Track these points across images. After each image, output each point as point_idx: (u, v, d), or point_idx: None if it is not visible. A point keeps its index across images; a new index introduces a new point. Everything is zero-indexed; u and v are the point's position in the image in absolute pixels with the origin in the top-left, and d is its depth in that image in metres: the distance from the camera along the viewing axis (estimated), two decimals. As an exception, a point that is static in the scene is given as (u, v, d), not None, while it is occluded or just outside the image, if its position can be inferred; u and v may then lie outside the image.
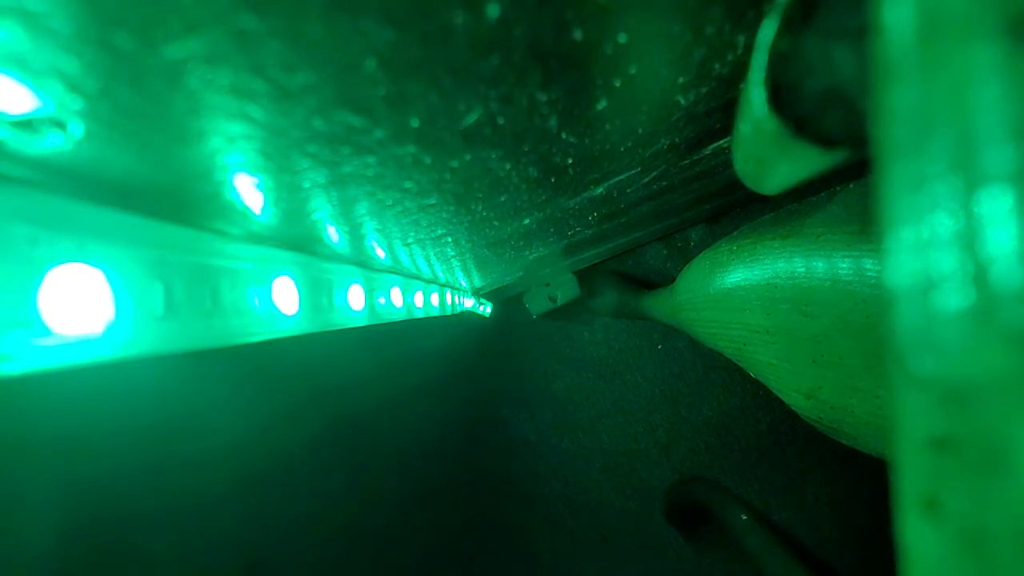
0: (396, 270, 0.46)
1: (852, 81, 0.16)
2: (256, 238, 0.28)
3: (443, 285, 0.61)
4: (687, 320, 0.59)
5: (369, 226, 0.31)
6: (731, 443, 0.85)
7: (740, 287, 0.45)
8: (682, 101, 0.26)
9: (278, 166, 0.20)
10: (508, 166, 0.27)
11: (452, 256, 0.46)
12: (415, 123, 0.20)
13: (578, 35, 0.17)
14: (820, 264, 0.37)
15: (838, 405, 0.39)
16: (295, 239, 0.30)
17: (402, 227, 0.33)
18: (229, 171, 0.20)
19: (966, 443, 0.09)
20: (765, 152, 0.21)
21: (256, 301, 0.27)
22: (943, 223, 0.09)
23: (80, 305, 0.18)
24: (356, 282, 0.38)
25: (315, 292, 0.33)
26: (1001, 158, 0.08)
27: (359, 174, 0.23)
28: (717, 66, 0.23)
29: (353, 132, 0.19)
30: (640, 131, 0.29)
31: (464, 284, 0.66)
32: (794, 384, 0.42)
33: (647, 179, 0.40)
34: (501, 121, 0.22)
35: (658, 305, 0.71)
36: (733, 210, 0.77)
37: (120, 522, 0.31)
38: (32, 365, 0.16)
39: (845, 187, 0.40)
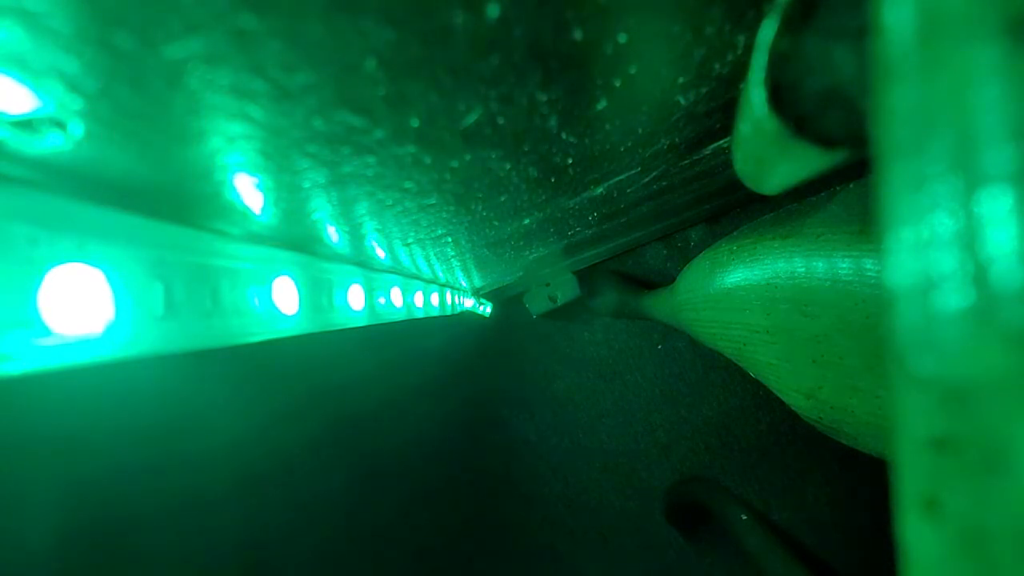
0: (396, 270, 0.46)
1: (852, 81, 0.16)
2: (256, 238, 0.28)
3: (443, 285, 0.61)
4: (687, 320, 0.59)
5: (369, 226, 0.31)
6: (731, 443, 0.85)
7: (740, 287, 0.45)
8: (682, 101, 0.26)
9: (278, 166, 0.20)
10: (508, 166, 0.27)
11: (452, 256, 0.46)
12: (415, 123, 0.20)
13: (578, 35, 0.17)
14: (820, 264, 0.37)
15: (838, 405, 0.39)
16: (295, 239, 0.30)
17: (402, 227, 0.33)
18: (229, 171, 0.20)
19: (966, 443, 0.09)
20: (765, 152, 0.21)
21: (256, 301, 0.27)
22: (943, 223, 0.09)
23: (80, 305, 0.18)
24: (356, 282, 0.38)
25: (315, 292, 0.33)
26: (1001, 158, 0.08)
27: (359, 174, 0.23)
28: (717, 66, 0.23)
29: (353, 132, 0.19)
30: (640, 131, 0.29)
31: (464, 284, 0.66)
32: (794, 384, 0.42)
33: (647, 179, 0.40)
34: (501, 121, 0.22)
35: (658, 305, 0.71)
36: (733, 210, 0.77)
37: (120, 522, 0.31)
38: (32, 365, 0.16)
39: (845, 187, 0.40)
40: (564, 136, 0.26)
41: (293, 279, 0.30)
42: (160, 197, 0.21)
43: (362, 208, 0.27)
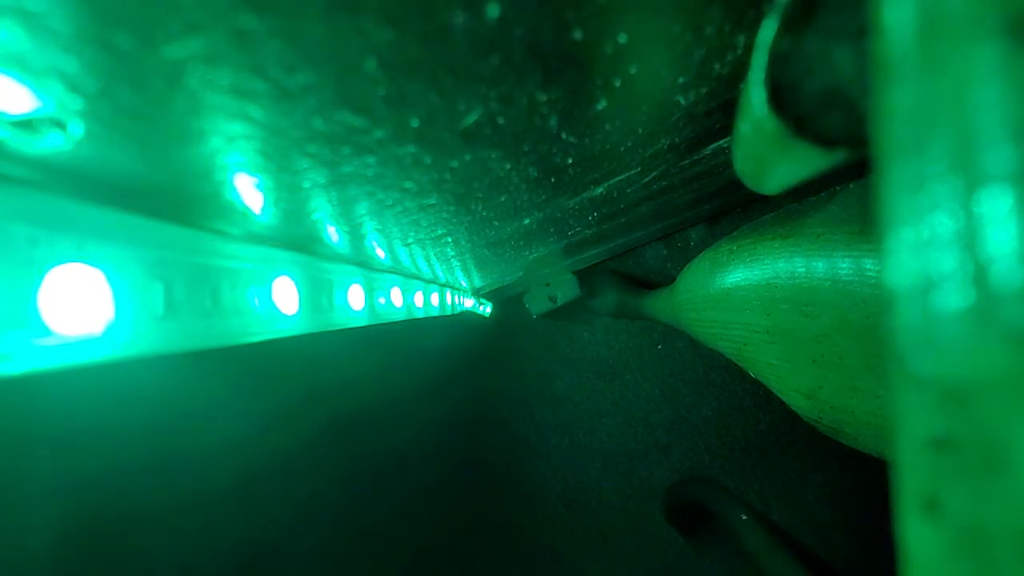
0: (396, 270, 0.46)
1: (852, 81, 0.16)
2: (256, 238, 0.28)
3: (443, 285, 0.61)
4: (687, 320, 0.59)
5: (369, 226, 0.31)
6: (731, 443, 0.85)
7: (740, 287, 0.45)
8: (682, 101, 0.26)
9: (278, 166, 0.20)
10: (508, 166, 0.27)
11: (452, 256, 0.46)
12: (415, 123, 0.20)
13: (578, 35, 0.17)
14: (820, 264, 0.37)
15: (838, 405, 0.39)
16: (295, 239, 0.30)
17: (402, 227, 0.33)
18: (229, 171, 0.20)
19: (966, 443, 0.09)
20: (765, 152, 0.21)
21: (256, 301, 0.27)
22: (943, 223, 0.09)
23: (80, 305, 0.18)
24: (356, 282, 0.38)
25: (315, 292, 0.33)
26: (1001, 158, 0.08)
27: (359, 174, 0.23)
28: (717, 66, 0.23)
29: (353, 132, 0.19)
30: (640, 131, 0.29)
31: (464, 284, 0.66)
32: (794, 384, 0.42)
33: (647, 179, 0.40)
34: (501, 121, 0.22)
35: (658, 305, 0.71)
36: (733, 210, 0.78)
37: (120, 521, 0.31)
38: (32, 365, 0.16)
39: (845, 187, 0.40)
40: (564, 136, 0.26)
41: (293, 279, 0.30)
42: (160, 197, 0.21)
43: (362, 208, 0.27)
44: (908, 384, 0.09)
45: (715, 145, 0.36)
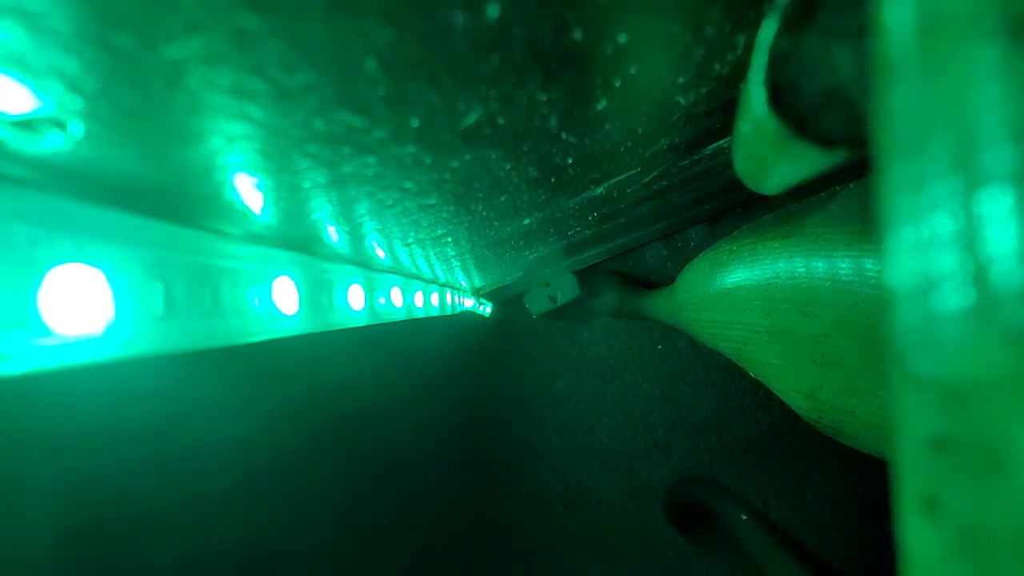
0: (396, 270, 0.46)
1: (852, 81, 0.16)
2: (256, 238, 0.28)
3: (443, 285, 0.61)
4: (687, 320, 0.59)
5: (369, 226, 0.31)
6: (731, 443, 0.85)
7: (740, 287, 0.45)
8: (682, 101, 0.26)
9: (278, 166, 0.20)
10: (508, 166, 0.27)
11: (452, 256, 0.46)
12: (415, 123, 0.20)
13: (578, 35, 0.17)
14: (820, 264, 0.37)
15: (838, 405, 0.39)
16: (295, 239, 0.30)
17: (402, 227, 0.33)
18: (229, 171, 0.20)
19: (966, 443, 0.09)
20: (765, 152, 0.21)
21: (256, 301, 0.27)
22: (943, 223, 0.09)
23: (80, 305, 0.18)
24: (356, 282, 0.38)
25: (315, 292, 0.33)
26: (1001, 158, 0.08)
27: (359, 174, 0.23)
28: (717, 66, 0.23)
29: (353, 132, 0.19)
30: (640, 131, 0.29)
31: (464, 284, 0.66)
32: (794, 384, 0.42)
33: (647, 179, 0.40)
34: (501, 121, 0.22)
35: (658, 305, 0.71)
36: (733, 210, 0.78)
37: (120, 521, 0.31)
38: (32, 365, 0.16)
39: (845, 187, 0.40)
40: (564, 136, 0.26)
41: (293, 279, 0.30)
42: (160, 197, 0.21)
43: (362, 208, 0.27)
44: (908, 384, 0.09)
45: (715, 145, 0.36)
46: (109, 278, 0.19)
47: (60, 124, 0.15)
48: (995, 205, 0.08)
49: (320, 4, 0.13)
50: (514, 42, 0.17)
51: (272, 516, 0.44)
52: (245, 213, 0.24)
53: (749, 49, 0.21)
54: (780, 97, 0.17)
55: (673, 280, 0.65)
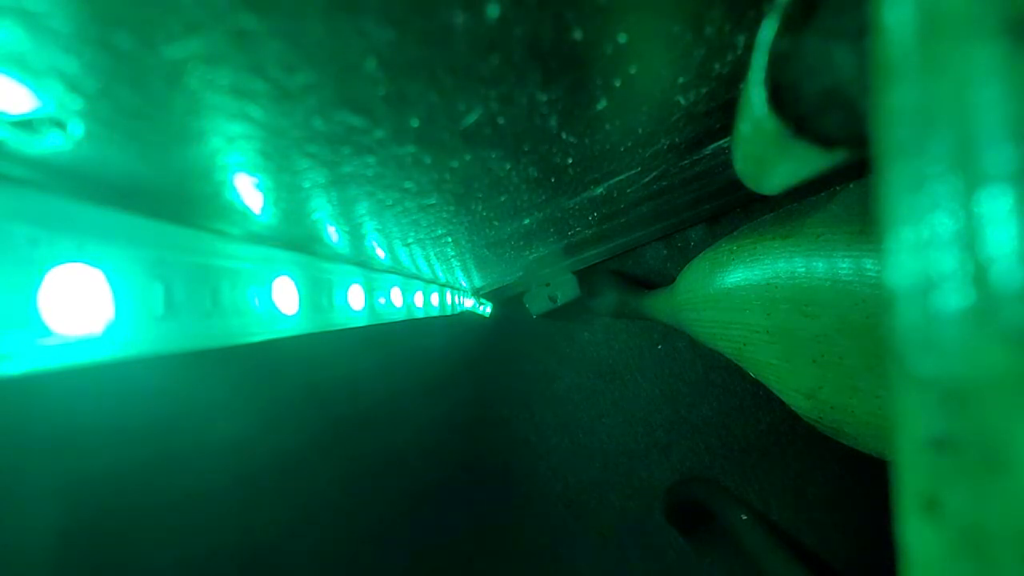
0: (396, 270, 0.46)
1: (852, 81, 0.16)
2: (256, 238, 0.28)
3: (443, 285, 0.61)
4: (687, 320, 0.59)
5: (369, 226, 0.31)
6: (731, 443, 0.85)
7: (740, 287, 0.45)
8: (682, 101, 0.26)
9: (278, 166, 0.20)
10: (508, 166, 0.27)
11: (452, 256, 0.46)
12: (415, 123, 0.20)
13: (578, 35, 0.17)
14: (820, 264, 0.37)
15: (838, 405, 0.39)
16: (295, 239, 0.30)
17: (402, 227, 0.33)
18: (229, 171, 0.20)
19: (966, 443, 0.09)
20: (765, 152, 0.21)
21: (256, 301, 0.27)
22: (943, 223, 0.09)
23: (80, 305, 0.18)
24: (356, 282, 0.38)
25: (315, 292, 0.33)
26: (1001, 158, 0.08)
27: (359, 174, 0.23)
28: (717, 66, 0.23)
29: (353, 132, 0.19)
30: (640, 131, 0.29)
31: (464, 284, 0.66)
32: (794, 384, 0.42)
33: (647, 179, 0.40)
34: (501, 121, 0.22)
35: (658, 305, 0.71)
36: (733, 210, 0.78)
37: (120, 520, 0.31)
38: (32, 365, 0.16)
39: (845, 187, 0.40)
40: (564, 136, 0.26)
41: (293, 279, 0.30)
42: (160, 197, 0.21)
43: (362, 208, 0.27)
44: (908, 384, 0.09)
45: (715, 145, 0.36)
46: (109, 278, 0.19)
47: (60, 124, 0.15)
48: (995, 205, 0.08)
49: (320, 4, 0.13)
50: (514, 42, 0.17)
51: (272, 516, 0.44)
52: (245, 213, 0.24)
53: (749, 49, 0.21)
54: (780, 97, 0.17)
55: (673, 280, 0.65)
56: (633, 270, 0.83)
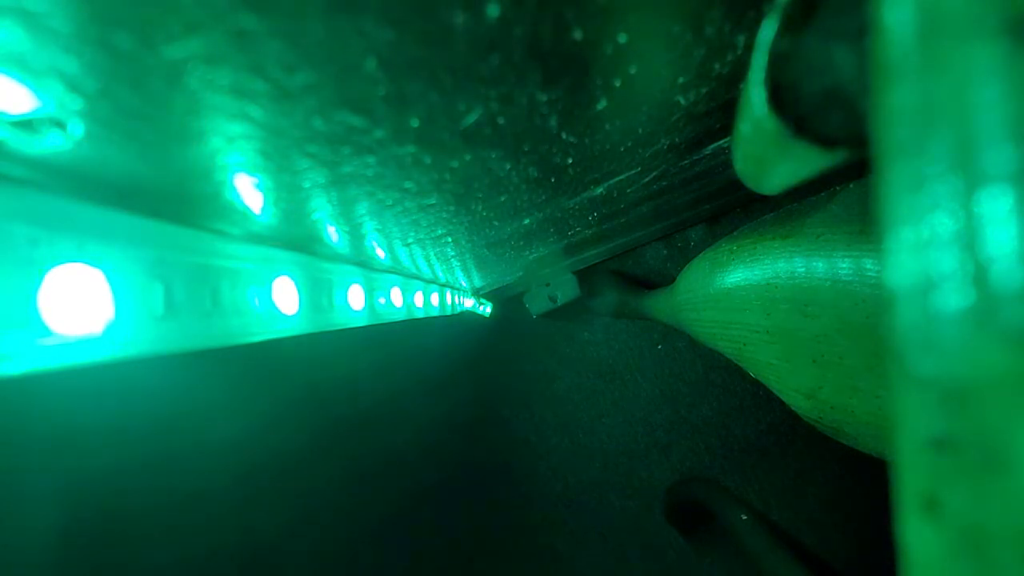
0: (396, 270, 0.46)
1: (852, 81, 0.16)
2: (256, 238, 0.28)
3: (443, 285, 0.61)
4: (687, 320, 0.59)
5: (369, 226, 0.31)
6: (731, 443, 0.85)
7: (740, 287, 0.45)
8: (682, 101, 0.26)
9: (278, 166, 0.20)
10: (508, 166, 0.27)
11: (452, 256, 0.46)
12: (415, 123, 0.20)
13: (578, 35, 0.17)
14: (820, 264, 0.37)
15: (838, 405, 0.39)
16: (295, 239, 0.30)
17: (402, 227, 0.33)
18: (229, 171, 0.20)
19: (966, 443, 0.09)
20: (765, 152, 0.21)
21: (256, 301, 0.27)
22: (943, 223, 0.09)
23: (80, 305, 0.18)
24: (356, 282, 0.38)
25: (315, 292, 0.33)
26: (1001, 158, 0.08)
27: (359, 174, 0.23)
28: (717, 66, 0.23)
29: (353, 132, 0.19)
30: (640, 131, 0.29)
31: (464, 284, 0.66)
32: (794, 384, 0.42)
33: (647, 179, 0.40)
34: (501, 121, 0.22)
35: (658, 305, 0.71)
36: (733, 210, 0.78)
37: (119, 520, 0.31)
38: (32, 365, 0.16)
39: (845, 187, 0.40)
40: (564, 136, 0.26)
41: (293, 279, 0.30)
42: (160, 197, 0.21)
43: (362, 208, 0.27)
44: (908, 384, 0.09)
45: (715, 145, 0.36)
46: (109, 278, 0.19)
47: (60, 124, 0.15)
48: (995, 205, 0.08)
49: (320, 4, 0.13)
50: (514, 42, 0.17)
51: (272, 516, 0.44)
52: (245, 213, 0.24)
53: (749, 49, 0.21)
54: (780, 97, 0.17)
55: (673, 280, 0.65)
56: (633, 270, 0.83)
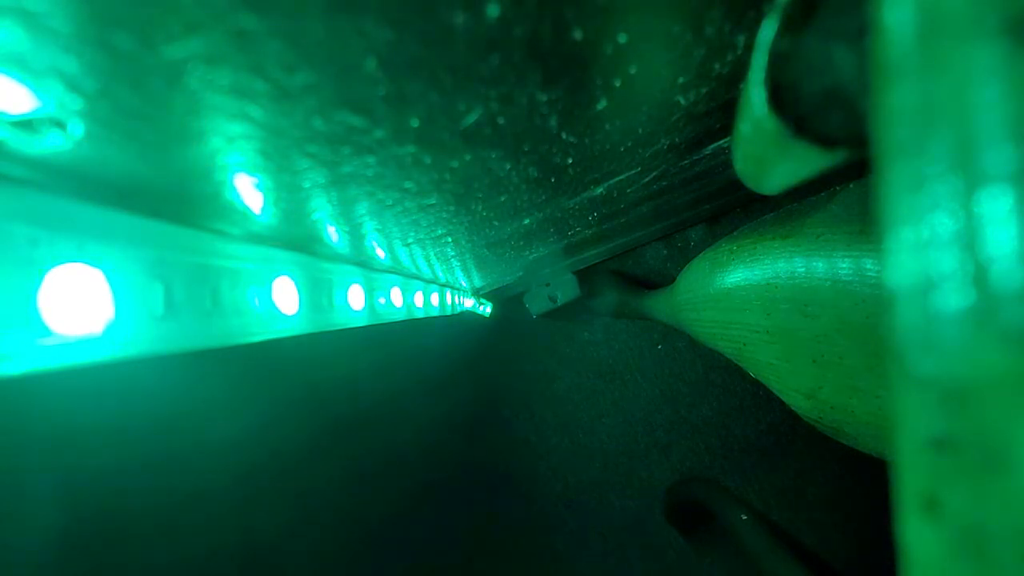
0: (396, 270, 0.46)
1: (852, 81, 0.16)
2: (256, 238, 0.28)
3: (443, 285, 0.61)
4: (687, 320, 0.59)
5: (369, 226, 0.31)
6: (731, 443, 0.85)
7: (740, 287, 0.45)
8: (682, 101, 0.26)
9: (278, 166, 0.20)
10: (508, 166, 0.27)
11: (452, 256, 0.46)
12: (415, 123, 0.20)
13: (578, 35, 0.17)
14: (820, 264, 0.37)
15: (838, 405, 0.39)
16: (295, 239, 0.30)
17: (402, 227, 0.33)
18: (229, 171, 0.20)
19: (966, 443, 0.09)
20: (765, 152, 0.21)
21: (256, 301, 0.27)
22: (943, 223, 0.09)
23: (80, 305, 0.18)
24: (356, 282, 0.38)
25: (315, 292, 0.33)
26: (1001, 158, 0.08)
27: (359, 174, 0.23)
28: (717, 66, 0.23)
29: (353, 132, 0.19)
30: (640, 131, 0.29)
31: (464, 284, 0.66)
32: (794, 384, 0.42)
33: (647, 179, 0.40)
34: (501, 121, 0.22)
35: (658, 305, 0.71)
36: (733, 210, 0.78)
37: (119, 520, 0.31)
38: (32, 365, 0.16)
39: (845, 187, 0.40)
40: (564, 136, 0.26)
41: (293, 279, 0.30)
42: (160, 197, 0.21)
43: (362, 208, 0.27)
44: (908, 384, 0.09)
45: (715, 145, 0.36)
46: (109, 278, 0.19)
47: (60, 124, 0.15)
48: (995, 205, 0.08)
49: (320, 4, 0.13)
50: (514, 42, 0.17)
51: (272, 516, 0.44)
52: (245, 213, 0.24)
53: (749, 49, 0.21)
54: (780, 97, 0.17)
55: (673, 280, 0.65)
56: (633, 270, 0.83)
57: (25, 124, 0.15)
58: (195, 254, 0.23)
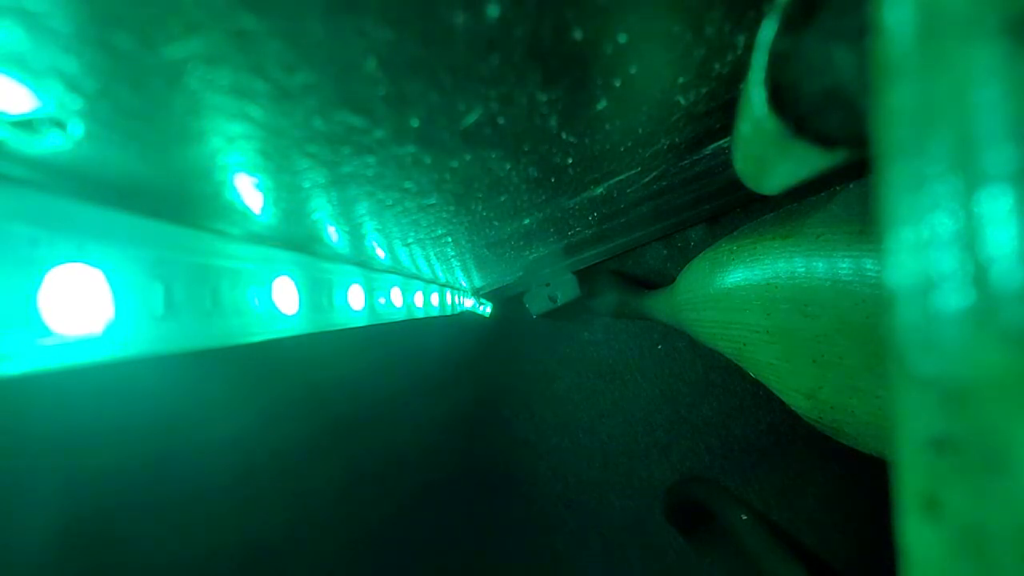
0: (396, 270, 0.46)
1: (852, 81, 0.16)
2: (256, 238, 0.28)
3: (443, 285, 0.61)
4: (687, 320, 0.59)
5: (369, 226, 0.31)
6: (731, 443, 0.85)
7: (740, 287, 0.45)
8: (682, 101, 0.26)
9: (278, 166, 0.20)
10: (508, 166, 0.27)
11: (452, 256, 0.46)
12: (415, 123, 0.20)
13: (578, 35, 0.17)
14: (820, 264, 0.37)
15: (838, 405, 0.39)
16: (295, 239, 0.30)
17: (402, 227, 0.33)
18: (229, 171, 0.20)
19: (966, 443, 0.09)
20: (765, 152, 0.21)
21: (256, 301, 0.27)
22: (943, 223, 0.09)
23: (80, 305, 0.18)
24: (356, 282, 0.38)
25: (315, 292, 0.33)
26: (1001, 158, 0.08)
27: (359, 174, 0.23)
28: (717, 66, 0.23)
29: (353, 132, 0.19)
30: (640, 131, 0.29)
31: (464, 284, 0.66)
32: (794, 384, 0.42)
33: (647, 179, 0.40)
34: (501, 121, 0.22)
35: (658, 305, 0.71)
36: (733, 210, 0.77)
37: (119, 520, 0.31)
38: (32, 365, 0.16)
39: (845, 187, 0.40)
40: (564, 136, 0.26)
41: (293, 279, 0.30)
42: (160, 197, 0.21)
43: (362, 208, 0.27)
44: (908, 384, 0.09)
45: (715, 145, 0.36)
46: (109, 278, 0.19)
47: (60, 124, 0.15)
48: (995, 205, 0.08)
49: (320, 4, 0.13)
50: (514, 42, 0.17)
51: (272, 516, 0.44)
52: (245, 213, 0.24)
53: (749, 49, 0.21)
54: (780, 97, 0.17)
55: (673, 280, 0.65)
56: (633, 270, 0.83)
57: (25, 124, 0.15)
58: (195, 254, 0.23)
